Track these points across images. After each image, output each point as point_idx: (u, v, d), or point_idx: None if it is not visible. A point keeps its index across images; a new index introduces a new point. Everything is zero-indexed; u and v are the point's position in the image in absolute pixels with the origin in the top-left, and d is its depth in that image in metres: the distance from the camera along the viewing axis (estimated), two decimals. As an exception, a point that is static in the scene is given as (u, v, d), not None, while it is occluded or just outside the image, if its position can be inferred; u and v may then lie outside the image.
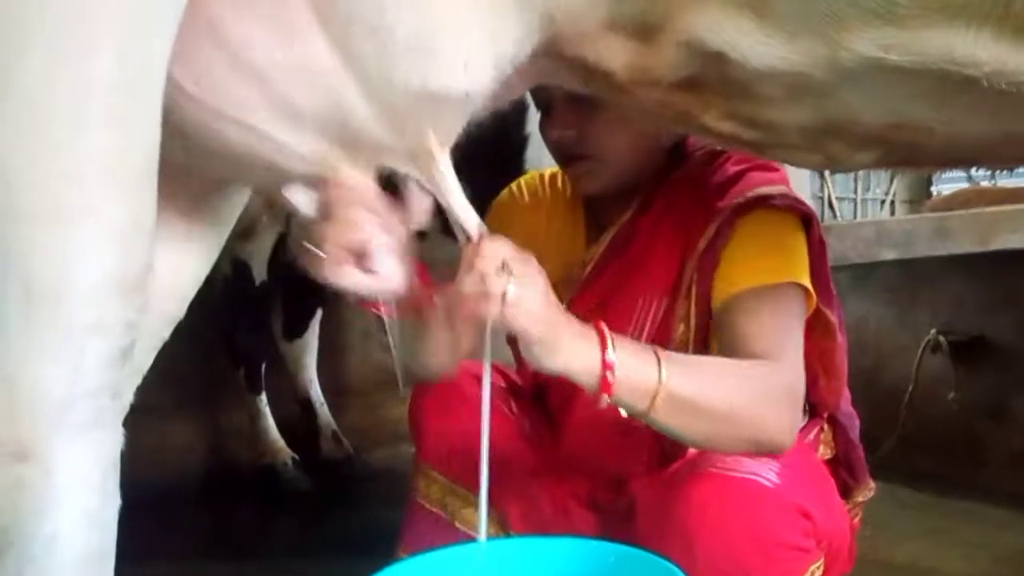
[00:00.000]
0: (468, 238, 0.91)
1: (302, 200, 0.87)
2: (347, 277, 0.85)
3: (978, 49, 0.69)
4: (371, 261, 0.86)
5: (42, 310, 0.67)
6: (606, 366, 0.93)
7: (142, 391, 0.87)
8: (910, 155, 0.85)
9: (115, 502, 0.74)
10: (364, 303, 1.00)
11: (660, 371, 0.95)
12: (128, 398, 0.81)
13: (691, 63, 0.79)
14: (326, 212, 0.87)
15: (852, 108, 0.78)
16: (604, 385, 0.93)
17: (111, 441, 0.74)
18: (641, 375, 0.95)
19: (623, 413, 0.97)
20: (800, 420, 1.06)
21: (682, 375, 0.96)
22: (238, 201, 1.00)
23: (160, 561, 1.88)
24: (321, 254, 0.84)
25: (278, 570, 1.91)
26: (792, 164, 0.96)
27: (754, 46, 0.74)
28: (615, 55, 0.81)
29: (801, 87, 0.77)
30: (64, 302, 0.67)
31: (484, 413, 0.90)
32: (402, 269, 0.89)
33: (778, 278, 1.12)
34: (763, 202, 1.17)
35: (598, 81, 0.86)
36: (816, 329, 1.22)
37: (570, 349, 0.92)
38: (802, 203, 1.21)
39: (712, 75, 0.79)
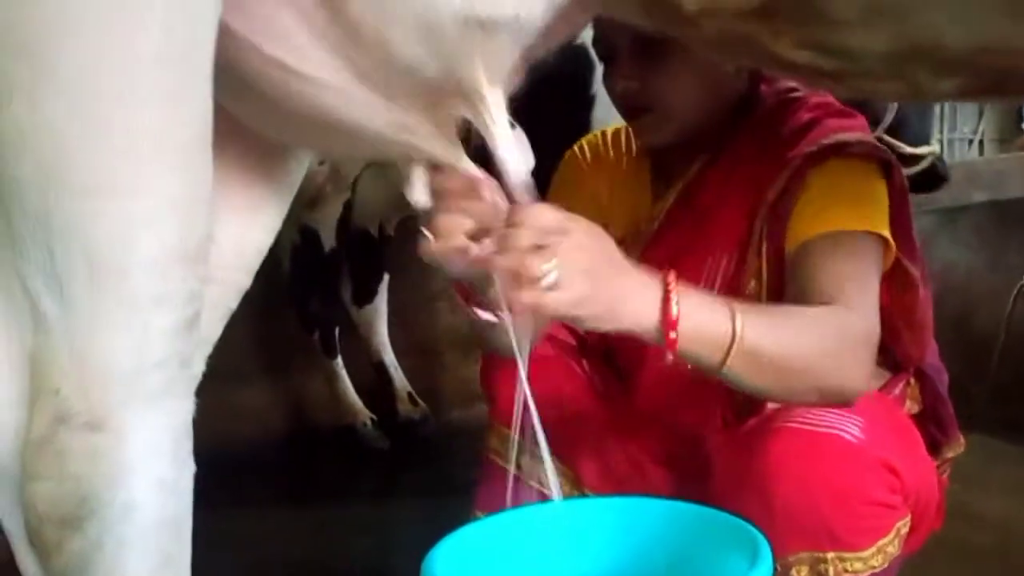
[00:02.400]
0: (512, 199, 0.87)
1: (419, 193, 0.88)
2: (457, 266, 0.87)
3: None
4: (473, 245, 0.86)
5: (107, 283, 0.68)
6: (669, 323, 0.88)
7: (220, 357, 0.89)
8: (998, 82, 0.79)
9: (189, 469, 0.76)
10: (465, 300, 1.03)
11: (734, 323, 0.91)
12: (199, 367, 0.82)
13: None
14: (438, 201, 0.88)
15: (934, 29, 0.73)
16: (668, 341, 0.89)
17: (182, 409, 0.75)
18: (712, 328, 0.91)
19: (691, 367, 0.93)
20: (871, 367, 1.02)
21: (756, 326, 0.92)
22: (298, 171, 1.00)
23: (248, 512, 1.95)
24: (433, 242, 0.86)
25: (359, 524, 1.95)
26: (874, 96, 0.91)
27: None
28: (681, -21, 0.77)
29: (877, 7, 0.72)
30: (127, 275, 0.68)
31: (521, 389, 0.89)
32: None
33: (855, 226, 1.07)
34: (838, 150, 1.12)
35: (663, 11, 0.81)
36: (895, 282, 1.17)
37: (627, 311, 0.88)
38: (882, 149, 1.15)
39: (782, -3, 0.75)
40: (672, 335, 0.88)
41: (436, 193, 0.88)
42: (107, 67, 0.65)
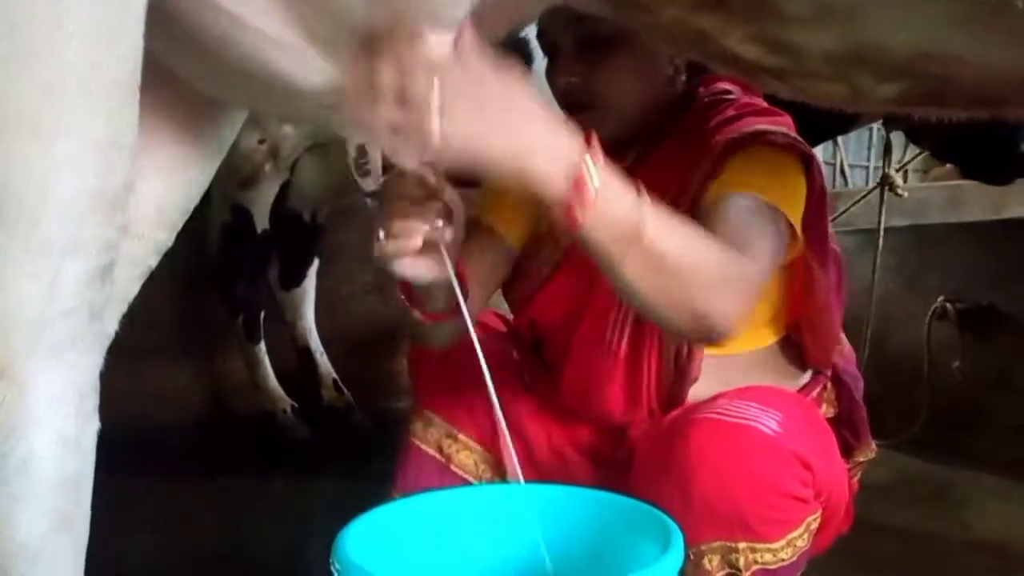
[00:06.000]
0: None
1: (371, 182, 0.90)
2: (406, 267, 0.90)
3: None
4: (428, 252, 0.89)
5: (16, 225, 0.65)
6: (582, 200, 0.80)
7: (141, 334, 0.86)
8: (937, 90, 0.81)
9: (93, 427, 0.72)
10: (409, 302, 1.05)
11: (642, 211, 0.84)
12: (112, 325, 0.79)
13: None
14: (388, 201, 0.89)
15: (880, 33, 0.75)
16: (571, 220, 0.81)
17: (90, 364, 0.72)
18: (619, 210, 0.83)
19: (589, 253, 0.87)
20: (747, 312, 0.98)
21: (662, 224, 0.86)
22: (229, 133, 0.98)
23: (160, 494, 1.89)
24: (388, 244, 0.88)
25: (275, 510, 1.92)
26: (815, 98, 0.92)
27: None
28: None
29: (828, 6, 0.73)
30: (39, 217, 0.65)
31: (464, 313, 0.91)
32: (452, 258, 0.91)
33: (768, 198, 1.07)
34: (759, 138, 1.13)
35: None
36: (798, 281, 1.19)
37: (537, 166, 0.79)
38: (802, 143, 1.17)
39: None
40: (578, 214, 0.81)
41: (389, 195, 0.89)
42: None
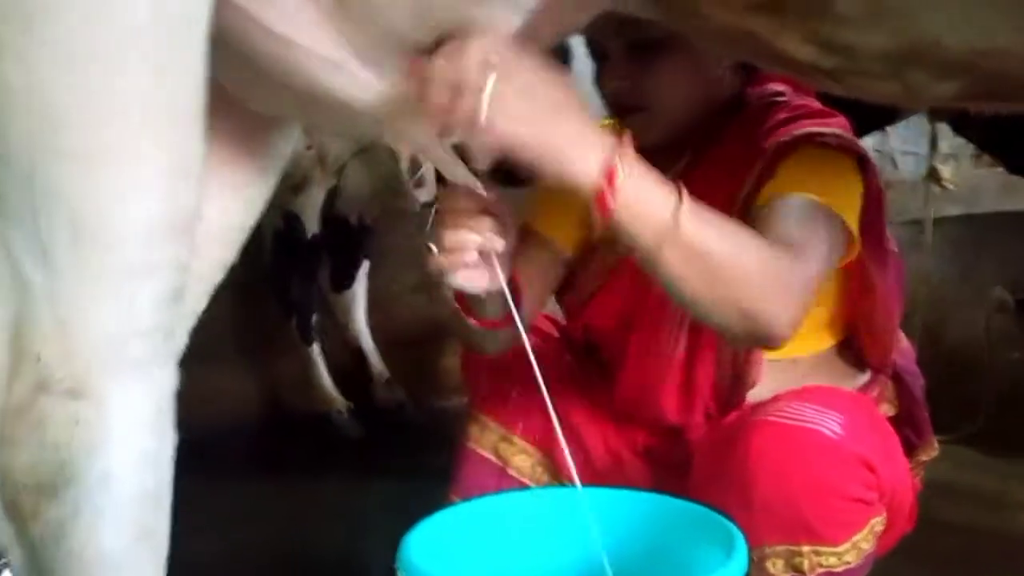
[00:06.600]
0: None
1: (425, 192, 0.93)
2: (460, 279, 0.92)
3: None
4: (482, 263, 0.91)
5: (92, 251, 0.67)
6: (609, 186, 0.82)
7: (198, 338, 0.88)
8: (996, 87, 0.79)
9: (170, 442, 0.75)
10: (464, 311, 1.08)
11: (677, 206, 0.86)
12: (182, 339, 0.82)
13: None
14: (440, 214, 0.92)
15: (935, 29, 0.74)
16: (602, 206, 0.83)
17: (165, 381, 0.74)
18: (652, 203, 0.85)
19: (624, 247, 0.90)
20: (800, 316, 0.96)
21: (700, 220, 0.87)
22: (284, 150, 1.00)
23: (219, 495, 1.92)
24: (437, 255, 0.91)
25: (333, 510, 1.94)
26: (870, 96, 0.91)
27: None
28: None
29: (881, 5, 0.73)
30: (113, 243, 0.68)
31: (515, 316, 0.92)
32: (506, 270, 0.93)
33: (824, 200, 1.05)
34: (812, 139, 1.11)
35: (674, 1, 0.82)
36: (855, 283, 1.17)
37: (574, 156, 0.83)
38: (857, 143, 1.15)
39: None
40: (609, 201, 0.83)
41: (441, 208, 0.92)
42: (100, 31, 0.65)
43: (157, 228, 0.69)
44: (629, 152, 0.85)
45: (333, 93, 0.81)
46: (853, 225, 1.09)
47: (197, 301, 0.87)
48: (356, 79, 0.80)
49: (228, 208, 0.91)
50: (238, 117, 0.89)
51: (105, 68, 0.65)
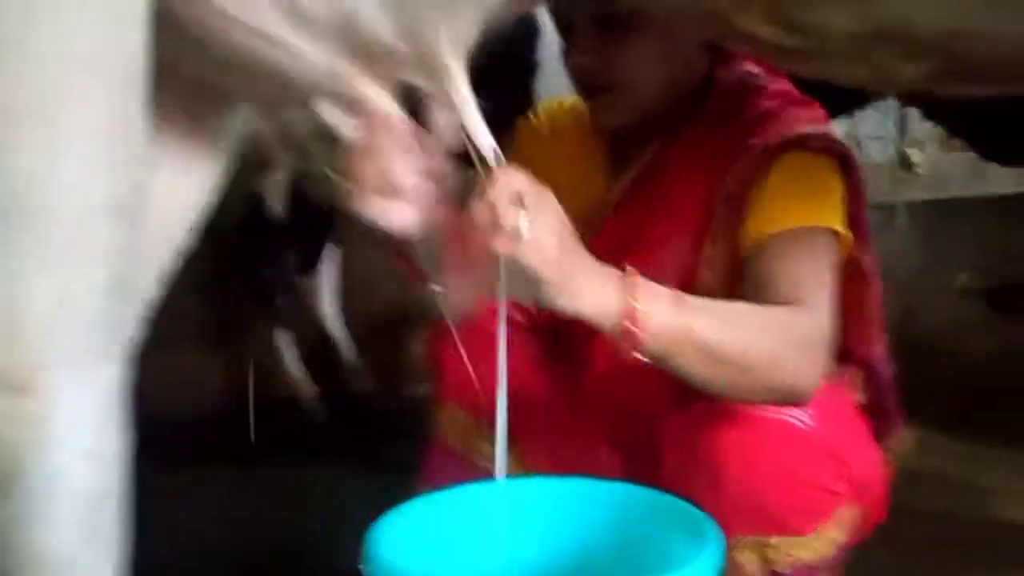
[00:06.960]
0: (482, 163, 0.87)
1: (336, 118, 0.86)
2: (375, 209, 0.86)
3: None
4: (400, 193, 0.86)
5: (26, 239, 0.63)
6: (635, 322, 0.90)
7: (162, 324, 0.85)
8: (965, 68, 0.79)
9: (120, 440, 0.71)
10: (398, 260, 1.05)
11: (686, 318, 0.92)
12: (133, 330, 0.78)
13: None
14: (354, 142, 0.86)
15: (904, 10, 0.72)
16: (631, 338, 0.91)
17: (114, 375, 0.71)
18: (664, 321, 0.92)
19: (642, 359, 0.94)
20: (825, 367, 1.02)
21: (707, 322, 0.94)
22: (235, 127, 0.97)
23: (185, 482, 1.90)
24: (349, 185, 0.86)
25: (300, 497, 1.93)
26: (835, 79, 0.90)
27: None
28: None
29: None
30: (49, 228, 0.64)
31: (500, 348, 0.90)
32: (429, 200, 0.88)
33: (811, 222, 1.07)
34: (798, 143, 1.12)
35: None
36: (848, 274, 1.17)
37: (586, 293, 0.90)
38: (840, 144, 1.16)
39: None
40: (638, 334, 0.90)
41: (363, 141, 0.86)
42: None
43: (95, 210, 0.65)
44: (638, 282, 0.92)
45: (282, 71, 0.78)
46: (841, 227, 1.10)
47: (149, 288, 0.84)
48: (306, 61, 0.77)
49: (179, 189, 0.88)
50: (183, 93, 0.85)
51: (40, 33, 0.61)
